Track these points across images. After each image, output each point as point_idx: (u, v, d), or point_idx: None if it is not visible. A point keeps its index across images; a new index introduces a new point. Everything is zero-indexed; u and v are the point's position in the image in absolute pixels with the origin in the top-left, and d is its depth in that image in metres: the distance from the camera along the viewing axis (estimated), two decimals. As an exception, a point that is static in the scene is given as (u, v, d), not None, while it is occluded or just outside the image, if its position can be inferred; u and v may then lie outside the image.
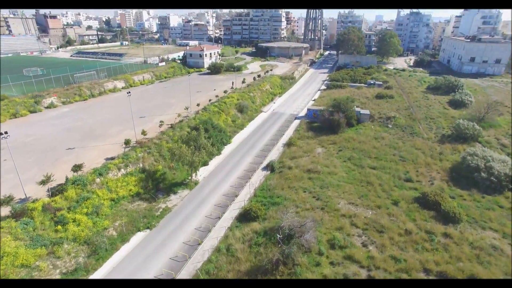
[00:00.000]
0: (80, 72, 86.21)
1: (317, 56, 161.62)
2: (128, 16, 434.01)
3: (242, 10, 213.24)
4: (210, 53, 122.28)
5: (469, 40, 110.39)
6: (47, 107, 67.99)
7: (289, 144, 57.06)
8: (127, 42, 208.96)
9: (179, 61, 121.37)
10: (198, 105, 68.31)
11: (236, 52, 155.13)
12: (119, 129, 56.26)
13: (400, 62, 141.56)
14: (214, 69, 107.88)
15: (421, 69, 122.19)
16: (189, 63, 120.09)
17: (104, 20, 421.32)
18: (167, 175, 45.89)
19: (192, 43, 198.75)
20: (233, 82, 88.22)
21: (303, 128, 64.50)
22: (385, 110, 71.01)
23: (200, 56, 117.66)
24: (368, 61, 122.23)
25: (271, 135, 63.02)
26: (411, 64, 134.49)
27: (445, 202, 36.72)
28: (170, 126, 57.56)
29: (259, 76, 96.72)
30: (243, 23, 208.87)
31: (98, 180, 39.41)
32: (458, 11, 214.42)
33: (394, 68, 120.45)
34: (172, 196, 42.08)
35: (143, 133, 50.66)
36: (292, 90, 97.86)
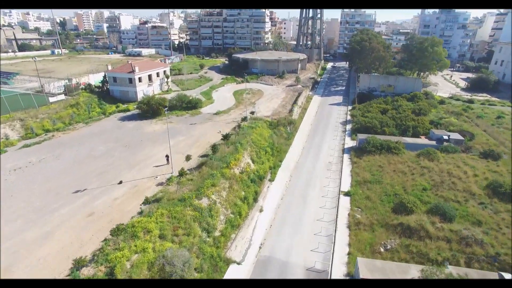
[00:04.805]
0: None
1: (319, 72, 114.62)
2: (86, 17, 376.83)
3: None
4: (150, 75, 73.06)
5: None
6: None
7: None
8: (61, 50, 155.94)
9: (98, 89, 71.71)
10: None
11: (201, 67, 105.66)
12: None
13: (441, 82, 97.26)
14: (148, 109, 58.69)
15: (487, 95, 78.05)
16: (113, 93, 70.73)
17: (59, 21, 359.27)
18: None
19: (145, 51, 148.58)
20: (167, 157, 39.59)
21: None
22: None
23: (130, 81, 68.42)
24: (407, 85, 76.43)
25: None
26: (462, 85, 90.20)
27: None
28: None
29: (225, 138, 47.09)
30: (215, 25, 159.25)
31: None
32: (486, 10, 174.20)
33: (451, 97, 75.52)
34: None
35: None
36: (293, 157, 50.01)
